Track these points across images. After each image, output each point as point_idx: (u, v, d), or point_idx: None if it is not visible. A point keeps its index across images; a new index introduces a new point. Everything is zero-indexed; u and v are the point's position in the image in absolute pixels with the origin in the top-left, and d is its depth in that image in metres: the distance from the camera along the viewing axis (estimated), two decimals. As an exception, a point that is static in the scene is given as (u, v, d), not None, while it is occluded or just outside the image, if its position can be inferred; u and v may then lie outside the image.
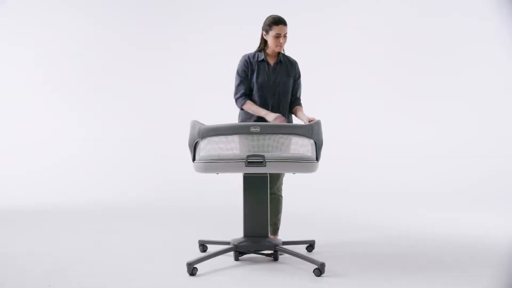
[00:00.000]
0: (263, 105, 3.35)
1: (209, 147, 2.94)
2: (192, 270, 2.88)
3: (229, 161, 2.91)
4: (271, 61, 3.42)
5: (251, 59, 3.40)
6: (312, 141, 2.97)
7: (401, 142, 6.20)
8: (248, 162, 2.90)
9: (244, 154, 2.91)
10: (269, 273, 2.95)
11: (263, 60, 3.39)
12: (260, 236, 3.15)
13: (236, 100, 3.41)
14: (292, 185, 5.64)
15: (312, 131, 2.96)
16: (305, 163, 2.94)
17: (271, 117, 3.20)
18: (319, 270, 2.87)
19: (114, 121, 6.84)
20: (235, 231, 3.65)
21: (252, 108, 3.33)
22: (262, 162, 2.90)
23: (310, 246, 3.50)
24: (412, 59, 6.35)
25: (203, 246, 3.49)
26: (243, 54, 3.46)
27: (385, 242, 3.80)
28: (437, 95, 6.24)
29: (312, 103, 6.63)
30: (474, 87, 6.16)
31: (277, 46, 3.34)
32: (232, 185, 4.76)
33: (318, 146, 2.99)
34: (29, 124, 6.77)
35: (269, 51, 3.41)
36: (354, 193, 5.69)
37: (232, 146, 2.93)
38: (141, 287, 2.72)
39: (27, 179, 6.30)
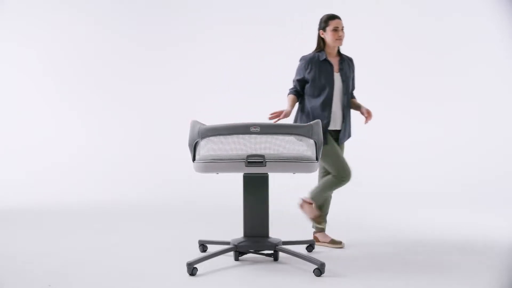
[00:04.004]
0: (329, 104, 3.46)
1: (209, 147, 2.94)
2: (192, 270, 2.88)
3: (229, 161, 2.91)
4: (334, 61, 3.51)
5: (312, 60, 3.48)
6: (312, 141, 2.97)
7: (401, 142, 6.20)
8: (248, 162, 2.90)
9: (244, 154, 2.91)
10: (269, 273, 2.95)
11: (325, 59, 3.47)
12: (260, 236, 3.15)
13: (289, 90, 3.60)
14: (292, 185, 5.65)
15: (312, 131, 2.97)
16: (305, 163, 2.94)
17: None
18: (319, 270, 2.87)
19: (114, 121, 6.84)
20: (235, 231, 3.64)
21: (289, 100, 3.55)
22: (262, 162, 2.90)
23: (310, 246, 3.50)
24: (412, 59, 6.34)
25: (203, 246, 3.49)
26: (301, 55, 3.56)
27: (385, 242, 3.80)
28: (437, 95, 6.24)
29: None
30: (474, 87, 6.16)
31: (336, 39, 3.46)
32: (232, 184, 4.76)
33: (318, 146, 2.99)
34: (29, 124, 6.77)
35: (329, 49, 3.50)
36: (354, 193, 5.68)
37: (232, 146, 2.93)
38: (141, 287, 2.72)
39: (27, 179, 6.29)
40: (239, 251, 3.16)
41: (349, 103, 3.58)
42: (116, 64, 6.92)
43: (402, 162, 6.10)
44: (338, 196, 5.61)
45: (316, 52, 3.53)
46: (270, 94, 6.53)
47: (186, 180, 5.80)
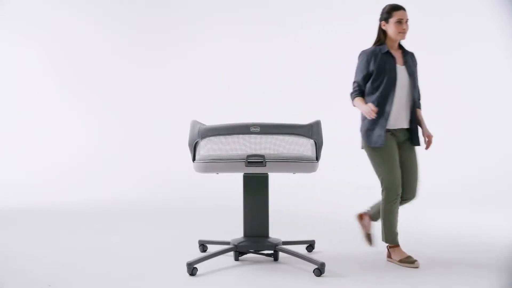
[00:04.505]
0: (389, 99, 3.11)
1: (209, 147, 2.94)
2: (192, 270, 2.88)
3: (229, 161, 2.91)
4: (396, 54, 3.21)
5: (374, 53, 3.17)
6: (312, 141, 2.97)
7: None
8: (248, 162, 2.90)
9: (244, 154, 2.91)
10: (269, 273, 2.95)
11: (387, 52, 3.17)
12: (260, 236, 3.15)
13: (350, 95, 3.25)
14: (292, 185, 5.65)
15: (312, 131, 2.97)
16: (305, 163, 2.94)
17: (366, 106, 3.06)
18: (319, 270, 2.87)
19: (114, 121, 6.84)
20: (235, 231, 3.64)
21: (359, 102, 3.14)
22: (262, 162, 2.90)
23: (310, 246, 3.50)
24: (412, 59, 6.33)
25: (203, 246, 3.49)
26: (361, 51, 3.24)
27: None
28: (437, 95, 6.22)
29: (313, 103, 6.64)
30: (474, 87, 6.15)
31: (399, 32, 3.14)
32: (232, 184, 4.75)
33: (318, 146, 2.99)
34: (29, 124, 6.78)
35: (390, 42, 3.21)
36: (354, 193, 5.68)
37: (232, 146, 2.93)
38: (141, 287, 2.72)
39: (27, 179, 6.29)
40: (239, 251, 3.16)
41: (413, 102, 3.26)
42: (116, 64, 6.92)
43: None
44: (338, 197, 5.63)
45: (377, 45, 3.22)
46: (270, 94, 6.56)
47: (186, 180, 5.80)
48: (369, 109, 3.00)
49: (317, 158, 2.99)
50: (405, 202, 3.33)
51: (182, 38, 6.91)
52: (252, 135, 2.92)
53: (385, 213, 3.19)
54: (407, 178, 3.29)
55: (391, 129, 3.17)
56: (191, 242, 3.70)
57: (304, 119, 3.45)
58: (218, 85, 6.77)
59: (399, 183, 3.17)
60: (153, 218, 4.87)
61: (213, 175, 5.74)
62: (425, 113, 6.40)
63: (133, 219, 4.81)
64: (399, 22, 3.14)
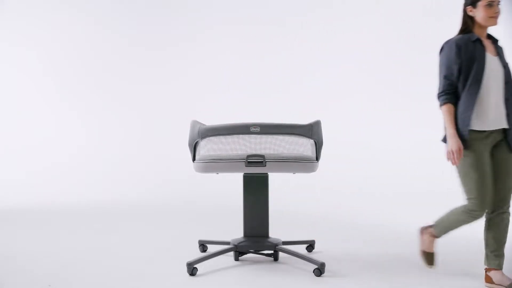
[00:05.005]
0: (478, 96, 2.62)
1: (209, 147, 2.95)
2: (192, 270, 2.88)
3: (229, 161, 2.92)
4: (486, 43, 2.76)
5: (463, 41, 2.71)
6: (312, 141, 2.98)
7: (402, 143, 6.20)
8: (248, 162, 2.90)
9: (244, 154, 2.91)
10: (269, 273, 2.95)
11: (477, 40, 2.71)
12: (260, 236, 3.15)
13: (438, 97, 2.72)
14: (292, 185, 5.65)
15: (312, 131, 2.97)
16: (305, 163, 2.94)
17: (452, 143, 2.59)
18: (319, 270, 2.87)
19: (114, 121, 6.84)
20: (235, 231, 3.64)
21: (446, 115, 2.65)
22: (262, 162, 2.90)
23: (310, 246, 3.50)
24: (412, 59, 6.33)
25: (203, 246, 3.49)
26: (443, 42, 2.83)
27: (385, 242, 3.80)
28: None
29: (313, 103, 6.63)
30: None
31: (490, 17, 2.68)
32: (232, 184, 4.75)
33: (318, 146, 2.99)
34: (29, 124, 6.78)
35: (478, 30, 2.76)
36: (354, 193, 5.69)
37: (232, 146, 2.93)
38: (141, 287, 2.72)
39: (27, 179, 6.30)
40: (239, 251, 3.16)
41: None
42: (116, 64, 6.93)
43: (402, 162, 6.09)
44: (338, 197, 5.64)
45: (462, 34, 2.77)
46: (270, 94, 6.56)
47: (186, 180, 5.81)
48: (457, 150, 2.58)
49: (317, 158, 2.99)
50: (503, 214, 2.81)
51: (182, 38, 6.92)
52: (252, 135, 2.92)
53: (458, 222, 2.82)
54: (497, 186, 2.75)
55: (480, 131, 2.64)
56: (191, 242, 3.70)
57: (304, 119, 3.46)
58: (218, 85, 6.77)
59: (490, 198, 2.68)
60: (153, 218, 4.87)
61: (213, 175, 5.75)
62: (425, 113, 6.43)
63: (133, 219, 4.81)
64: (490, 4, 2.67)
